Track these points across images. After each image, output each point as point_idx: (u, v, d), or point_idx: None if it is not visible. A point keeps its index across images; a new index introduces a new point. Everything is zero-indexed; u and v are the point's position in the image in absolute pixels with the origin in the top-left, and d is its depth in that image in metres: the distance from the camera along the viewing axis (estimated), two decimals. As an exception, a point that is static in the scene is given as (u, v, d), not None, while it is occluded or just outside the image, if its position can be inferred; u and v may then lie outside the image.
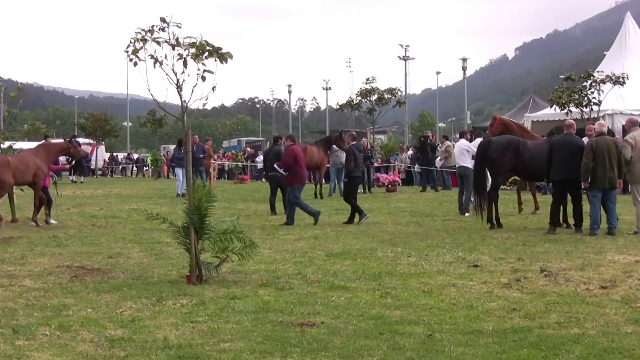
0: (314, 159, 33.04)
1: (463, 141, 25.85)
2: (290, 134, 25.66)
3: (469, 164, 24.02)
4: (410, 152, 47.41)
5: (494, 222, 20.01)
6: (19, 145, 26.21)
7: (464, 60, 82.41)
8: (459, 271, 13.26)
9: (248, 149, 71.70)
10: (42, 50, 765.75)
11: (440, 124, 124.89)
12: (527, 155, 20.06)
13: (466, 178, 24.24)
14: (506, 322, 9.52)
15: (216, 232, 12.73)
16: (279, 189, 24.85)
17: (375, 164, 43.25)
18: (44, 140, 33.37)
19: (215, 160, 41.95)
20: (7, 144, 24.18)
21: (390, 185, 37.59)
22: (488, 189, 20.43)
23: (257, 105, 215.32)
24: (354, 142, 23.11)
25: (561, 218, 19.66)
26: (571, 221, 19.27)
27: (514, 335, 8.79)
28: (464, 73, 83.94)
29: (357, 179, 23.30)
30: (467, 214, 23.42)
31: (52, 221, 22.40)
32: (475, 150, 22.13)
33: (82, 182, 52.76)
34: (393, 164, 46.13)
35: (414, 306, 10.43)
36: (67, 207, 23.64)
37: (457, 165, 26.23)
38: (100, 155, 79.56)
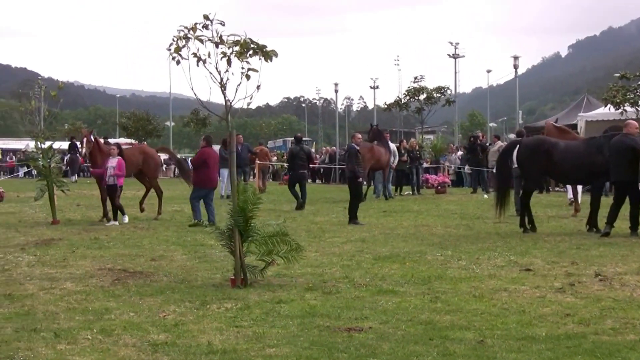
0: (382, 159, 32.68)
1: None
2: (207, 135, 25.56)
3: None
4: (460, 152, 47.07)
5: (527, 226, 19.54)
6: (57, 144, 26.27)
7: (516, 58, 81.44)
8: (510, 275, 13.01)
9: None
10: (83, 49, 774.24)
11: (491, 124, 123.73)
12: (557, 156, 19.36)
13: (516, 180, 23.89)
14: (560, 328, 9.28)
15: (261, 234, 12.58)
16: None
17: (424, 165, 42.91)
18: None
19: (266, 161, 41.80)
20: (47, 143, 24.22)
21: (439, 187, 37.29)
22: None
23: (303, 105, 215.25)
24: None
25: (588, 221, 19.25)
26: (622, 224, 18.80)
27: (568, 342, 8.57)
28: (516, 71, 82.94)
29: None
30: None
31: (113, 222, 22.63)
32: None
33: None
34: (442, 164, 45.83)
35: (465, 311, 10.23)
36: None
37: (513, 166, 25.85)
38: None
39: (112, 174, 22.56)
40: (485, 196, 23.16)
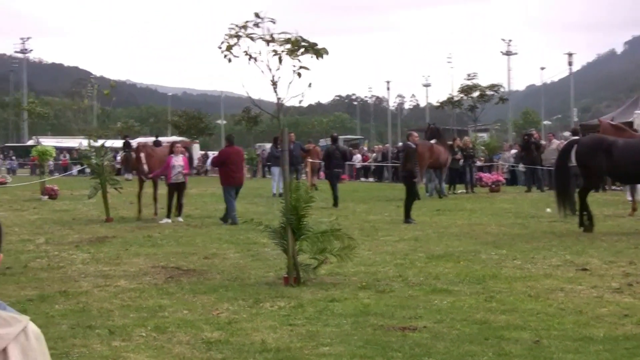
0: (441, 158, 32.55)
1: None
2: (228, 135, 26.17)
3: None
4: (513, 150, 46.65)
5: (586, 224, 19.20)
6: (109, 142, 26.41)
7: (570, 55, 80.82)
8: (567, 275, 12.85)
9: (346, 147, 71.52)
10: (135, 48, 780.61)
11: (545, 122, 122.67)
12: (617, 155, 18.87)
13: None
14: (618, 328, 9.16)
15: (314, 232, 12.55)
16: None
17: (478, 163, 42.59)
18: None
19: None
20: (100, 142, 24.41)
21: (493, 185, 36.94)
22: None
23: (355, 103, 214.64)
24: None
25: None
26: None
27: (626, 343, 8.47)
28: (570, 69, 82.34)
29: None
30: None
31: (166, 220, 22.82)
32: None
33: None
34: (496, 163, 45.44)
35: (520, 311, 10.13)
36: (161, 207, 23.77)
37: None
38: (195, 154, 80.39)
39: (180, 172, 22.77)
40: (548, 210, 22.84)
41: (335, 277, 12.81)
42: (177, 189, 22.98)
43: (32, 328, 2.78)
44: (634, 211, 22.94)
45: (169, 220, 22.55)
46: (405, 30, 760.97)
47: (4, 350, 2.67)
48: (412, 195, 22.54)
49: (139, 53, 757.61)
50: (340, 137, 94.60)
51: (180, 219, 22.76)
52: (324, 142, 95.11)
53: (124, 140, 42.34)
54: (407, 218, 22.01)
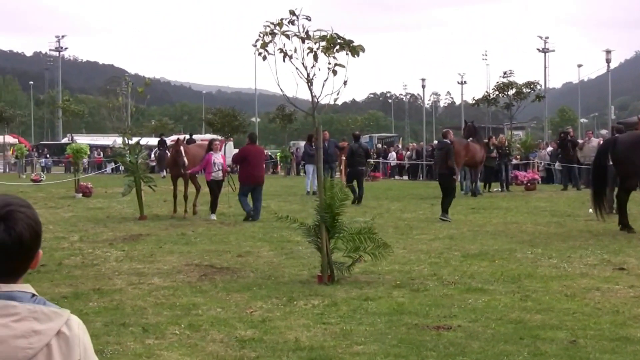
0: (477, 156, 32.42)
1: None
2: (250, 133, 26.52)
3: None
4: (549, 148, 46.34)
5: (629, 225, 18.91)
6: (144, 140, 26.48)
7: (608, 52, 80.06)
8: (603, 274, 12.72)
9: (379, 145, 71.40)
10: (170, 45, 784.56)
11: (581, 120, 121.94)
12: None
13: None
14: (656, 329, 9.01)
15: (348, 231, 12.50)
16: None
17: (514, 162, 42.33)
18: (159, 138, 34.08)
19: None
20: (134, 139, 24.47)
21: (529, 184, 36.70)
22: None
23: (390, 100, 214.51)
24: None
25: None
26: None
27: (665, 344, 8.31)
28: (608, 66, 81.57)
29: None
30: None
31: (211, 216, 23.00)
32: None
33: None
34: (532, 161, 45.15)
35: (556, 310, 10.04)
36: (198, 205, 23.86)
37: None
38: (229, 152, 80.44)
39: (220, 169, 22.92)
40: (590, 211, 22.61)
41: (369, 276, 12.77)
42: (217, 186, 23.06)
43: (75, 320, 2.79)
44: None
45: (214, 217, 22.69)
46: (441, 28, 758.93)
47: (48, 344, 2.67)
48: (451, 193, 22.46)
49: (173, 50, 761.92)
50: (375, 135, 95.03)
51: (213, 217, 22.79)
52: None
53: (159, 139, 42.55)
54: (444, 215, 21.94)
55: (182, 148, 24.27)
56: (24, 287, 2.76)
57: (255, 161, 23.19)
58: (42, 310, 2.70)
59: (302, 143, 34.64)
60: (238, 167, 24.17)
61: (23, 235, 2.72)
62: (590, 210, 21.76)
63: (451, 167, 22.76)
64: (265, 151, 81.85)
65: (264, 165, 23.87)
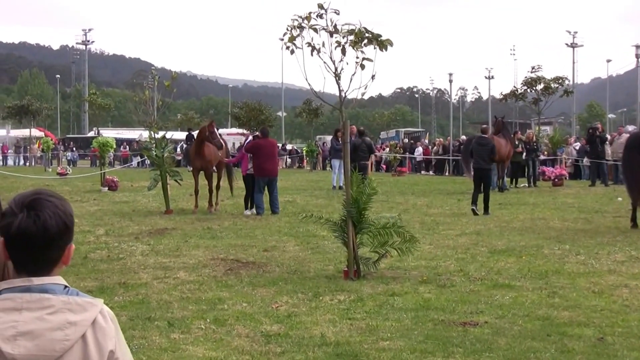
0: (502, 151, 32.30)
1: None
2: (262, 128, 26.65)
3: None
4: (577, 144, 46.06)
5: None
6: (169, 134, 26.41)
7: (638, 47, 79.64)
8: (631, 271, 12.65)
9: (406, 140, 71.26)
10: (196, 39, 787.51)
11: (610, 115, 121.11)
12: None
13: None
14: (684, 326, 8.95)
15: (375, 226, 12.46)
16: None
17: (541, 157, 42.11)
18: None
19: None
20: (160, 133, 24.47)
21: (556, 179, 36.51)
22: None
23: (416, 95, 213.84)
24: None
25: None
26: None
27: (694, 341, 8.25)
28: (637, 61, 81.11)
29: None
30: None
31: (246, 212, 23.00)
32: None
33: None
34: (560, 157, 44.90)
35: (584, 307, 9.99)
36: (221, 199, 23.87)
37: None
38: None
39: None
40: (619, 199, 22.53)
41: (395, 271, 12.74)
42: (252, 181, 23.15)
43: (107, 310, 2.85)
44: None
45: (249, 212, 22.72)
46: (469, 22, 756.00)
47: (83, 335, 2.71)
48: (489, 188, 23.22)
49: (200, 44, 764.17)
50: (401, 129, 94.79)
51: (247, 212, 22.77)
52: (385, 134, 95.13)
53: (187, 133, 42.67)
54: (486, 210, 22.49)
55: (216, 129, 24.11)
56: (56, 279, 2.81)
57: (266, 154, 23.17)
58: (76, 301, 2.74)
59: (329, 138, 34.65)
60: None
61: (47, 223, 2.75)
62: (620, 198, 21.57)
63: (494, 162, 23.58)
64: (285, 145, 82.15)
65: (277, 159, 23.76)
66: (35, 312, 2.66)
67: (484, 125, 27.64)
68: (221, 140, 23.98)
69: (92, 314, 2.74)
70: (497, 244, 15.96)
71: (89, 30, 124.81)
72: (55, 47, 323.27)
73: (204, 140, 23.97)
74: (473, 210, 22.39)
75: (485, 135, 24.48)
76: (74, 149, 77.77)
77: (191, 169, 25.78)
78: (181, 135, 71.83)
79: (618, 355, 7.79)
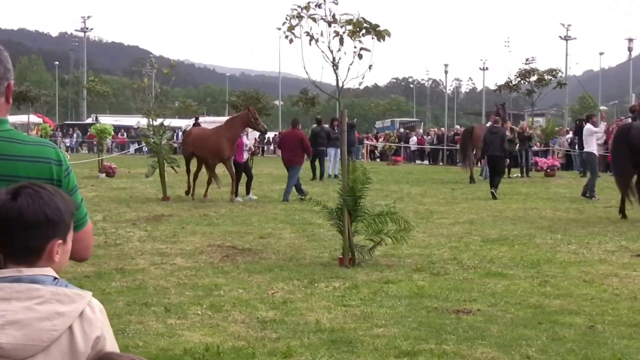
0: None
1: (589, 126, 24.71)
2: (293, 119, 27.49)
3: (593, 149, 24.22)
4: (569, 135, 46.20)
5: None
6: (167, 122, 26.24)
7: (630, 40, 79.55)
8: (621, 260, 12.75)
9: (402, 129, 71.28)
10: (194, 28, 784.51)
11: (602, 107, 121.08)
12: None
13: (591, 164, 24.68)
14: (673, 315, 9.05)
15: (370, 214, 12.56)
16: None
17: (534, 148, 42.24)
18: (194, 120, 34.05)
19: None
20: (159, 121, 24.52)
21: (549, 170, 36.66)
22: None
23: (411, 86, 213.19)
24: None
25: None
26: None
27: (682, 330, 8.35)
28: (630, 54, 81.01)
29: None
30: (593, 199, 23.32)
31: (250, 197, 23.33)
32: (600, 134, 23.99)
33: None
34: (552, 147, 45.04)
35: (575, 296, 10.07)
36: (218, 187, 23.94)
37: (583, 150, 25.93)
38: (252, 135, 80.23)
39: (246, 150, 23.82)
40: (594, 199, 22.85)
41: (390, 259, 12.83)
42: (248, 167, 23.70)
43: (96, 302, 2.86)
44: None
45: (241, 199, 22.92)
46: (464, 14, 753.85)
47: (70, 327, 2.74)
48: (501, 173, 25.75)
49: (198, 33, 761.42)
50: (397, 119, 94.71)
51: (240, 198, 22.88)
52: (381, 124, 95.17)
53: (194, 121, 42.77)
54: (495, 189, 24.16)
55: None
56: (45, 271, 2.83)
57: (286, 144, 24.56)
58: (64, 292, 2.77)
59: (325, 126, 34.79)
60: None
61: (24, 208, 2.77)
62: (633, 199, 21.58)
63: (505, 150, 25.02)
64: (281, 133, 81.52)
65: (297, 149, 23.81)
66: (24, 302, 2.69)
67: (493, 115, 30.35)
68: (263, 125, 24.22)
69: (80, 305, 2.77)
70: (490, 233, 16.08)
71: (88, 17, 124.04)
72: (54, 34, 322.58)
73: (247, 127, 23.61)
74: (492, 193, 23.86)
75: (496, 125, 26.26)
76: (75, 136, 77.17)
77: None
78: (179, 122, 71.86)
79: (608, 342, 7.85)
